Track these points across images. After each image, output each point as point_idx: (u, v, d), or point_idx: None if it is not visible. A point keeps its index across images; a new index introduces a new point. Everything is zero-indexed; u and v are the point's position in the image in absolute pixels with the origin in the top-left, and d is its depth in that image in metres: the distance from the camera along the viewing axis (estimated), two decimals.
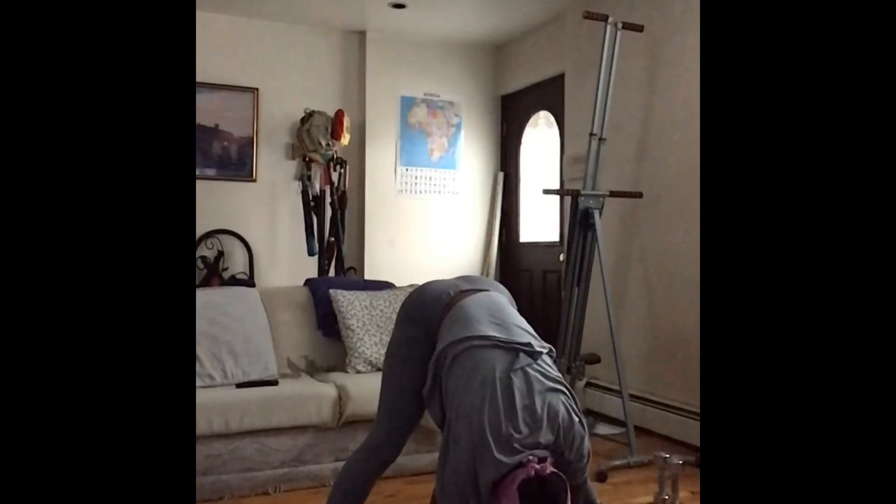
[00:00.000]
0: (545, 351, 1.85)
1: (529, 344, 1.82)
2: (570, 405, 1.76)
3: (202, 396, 2.92)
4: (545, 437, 1.68)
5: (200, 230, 5.00)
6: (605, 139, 3.74)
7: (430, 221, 5.66)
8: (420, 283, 2.23)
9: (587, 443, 1.77)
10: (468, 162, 5.79)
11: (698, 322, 3.12)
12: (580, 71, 4.65)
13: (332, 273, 5.06)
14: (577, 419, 1.74)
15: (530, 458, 1.63)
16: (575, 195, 3.73)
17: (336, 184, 5.12)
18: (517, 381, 1.72)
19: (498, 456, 1.62)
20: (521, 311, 2.08)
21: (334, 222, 5.07)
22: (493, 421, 1.65)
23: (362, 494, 2.06)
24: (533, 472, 1.60)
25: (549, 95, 5.29)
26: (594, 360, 3.98)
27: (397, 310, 2.19)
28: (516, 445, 1.64)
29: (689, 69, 3.78)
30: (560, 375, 1.82)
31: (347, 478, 2.06)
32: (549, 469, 1.62)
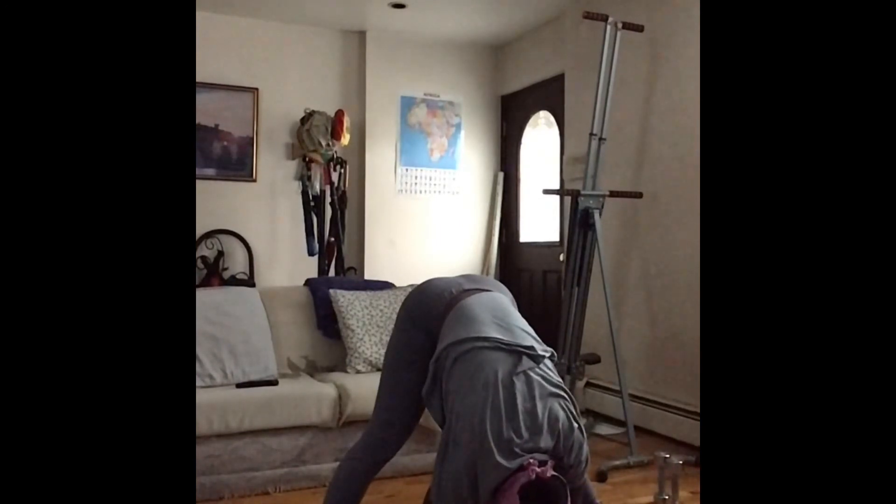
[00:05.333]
0: (547, 355, 1.84)
1: (532, 347, 1.82)
2: (571, 411, 1.75)
3: (202, 396, 2.92)
4: (545, 441, 1.68)
5: (200, 230, 5.00)
6: (605, 139, 3.74)
7: (430, 221, 5.66)
8: (420, 282, 2.22)
9: (586, 449, 1.76)
10: (468, 162, 5.79)
11: (698, 322, 3.12)
12: (580, 71, 4.65)
13: (332, 273, 5.06)
14: (576, 425, 1.74)
15: (531, 461, 1.62)
16: (575, 195, 3.73)
17: (336, 184, 5.12)
18: (519, 385, 1.72)
19: (499, 459, 1.62)
20: (521, 311, 2.08)
21: (334, 222, 5.07)
22: (494, 424, 1.65)
23: (358, 494, 2.05)
24: (534, 476, 1.59)
25: (549, 95, 5.29)
26: (594, 360, 3.97)
27: (397, 310, 2.19)
28: (516, 449, 1.64)
29: (689, 69, 3.78)
30: (561, 381, 1.81)
31: (343, 477, 2.05)
32: (550, 472, 1.61)
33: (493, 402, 1.67)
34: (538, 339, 1.89)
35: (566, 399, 1.76)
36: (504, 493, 1.60)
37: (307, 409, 3.11)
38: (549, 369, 1.82)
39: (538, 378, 1.75)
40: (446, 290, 2.03)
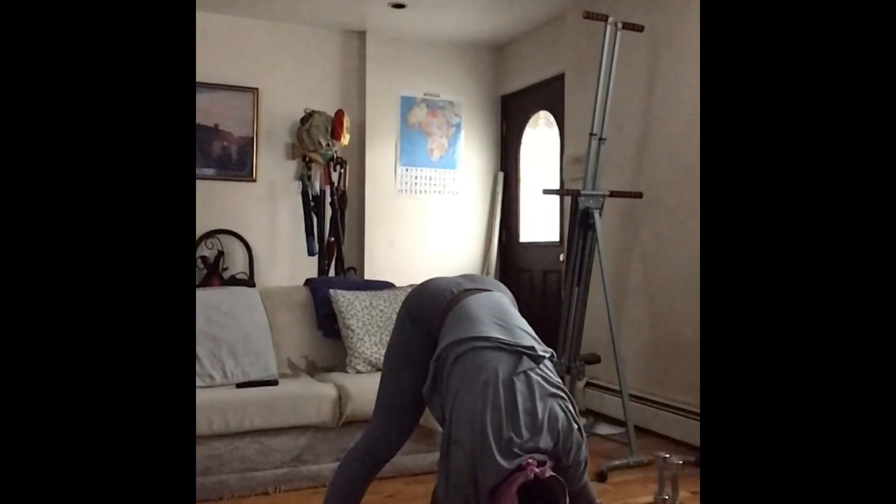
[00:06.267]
0: (547, 355, 1.84)
1: (532, 347, 1.81)
2: (570, 411, 1.75)
3: (202, 396, 2.92)
4: (545, 441, 1.67)
5: (200, 230, 5.00)
6: (605, 139, 3.74)
7: (430, 221, 5.66)
8: (420, 282, 2.22)
9: (584, 450, 1.76)
10: (468, 162, 5.79)
11: (698, 322, 3.12)
12: (580, 71, 4.65)
13: (332, 273, 5.06)
14: (576, 426, 1.74)
15: (530, 461, 1.62)
16: (575, 195, 3.73)
17: (336, 184, 5.12)
18: (519, 385, 1.71)
19: (498, 459, 1.61)
20: (521, 311, 2.07)
21: (334, 222, 5.07)
22: (494, 424, 1.65)
23: (358, 494, 2.05)
24: (532, 476, 1.59)
25: (549, 95, 5.29)
26: (594, 360, 3.97)
27: (397, 310, 2.18)
28: (516, 450, 1.64)
29: (689, 69, 3.78)
30: (560, 381, 1.81)
31: (343, 477, 2.05)
32: (549, 473, 1.61)
33: (493, 402, 1.67)
34: (538, 339, 1.89)
35: (566, 399, 1.76)
36: (502, 493, 1.60)
37: (307, 409, 3.11)
38: (549, 370, 1.82)
39: (538, 378, 1.75)
40: (447, 289, 2.02)
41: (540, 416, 1.68)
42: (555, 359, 1.89)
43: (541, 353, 1.82)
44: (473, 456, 1.64)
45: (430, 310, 1.99)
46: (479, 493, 1.65)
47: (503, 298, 2.06)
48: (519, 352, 1.79)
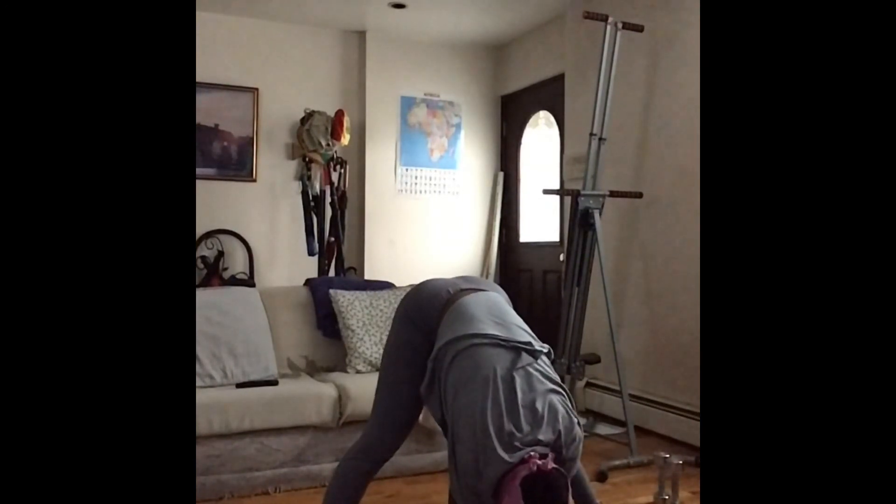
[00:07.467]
0: (545, 351, 1.86)
1: (530, 343, 1.83)
2: (569, 407, 1.76)
3: (202, 396, 2.92)
4: (545, 434, 1.68)
5: (200, 230, 5.00)
6: (605, 139, 3.74)
7: (430, 221, 5.66)
8: (417, 284, 2.22)
9: (581, 446, 1.78)
10: (468, 162, 5.79)
11: (698, 322, 3.12)
12: (580, 71, 4.65)
13: (332, 273, 5.06)
14: (575, 420, 1.75)
15: (532, 453, 1.63)
16: (575, 195, 3.73)
17: (336, 184, 5.12)
18: (519, 381, 1.73)
19: (500, 453, 1.62)
20: (520, 311, 2.08)
21: (334, 222, 5.07)
22: (495, 418, 1.66)
23: (358, 494, 2.05)
24: (535, 468, 1.60)
25: (549, 95, 5.29)
26: (594, 360, 3.98)
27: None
28: (517, 443, 1.64)
29: (690, 69, 3.78)
30: (558, 377, 1.83)
31: (342, 477, 2.05)
32: (551, 465, 1.62)
33: (493, 397, 1.68)
34: (534, 336, 1.91)
35: (564, 395, 1.78)
36: (506, 487, 1.61)
37: (307, 409, 3.10)
38: (547, 365, 1.83)
39: (537, 374, 1.77)
40: (443, 289, 2.04)
41: (540, 410, 1.70)
42: (552, 355, 1.91)
43: (538, 348, 1.83)
44: (476, 451, 1.65)
45: (428, 310, 2.00)
46: (484, 487, 1.66)
47: (499, 298, 2.07)
48: (517, 348, 1.80)
